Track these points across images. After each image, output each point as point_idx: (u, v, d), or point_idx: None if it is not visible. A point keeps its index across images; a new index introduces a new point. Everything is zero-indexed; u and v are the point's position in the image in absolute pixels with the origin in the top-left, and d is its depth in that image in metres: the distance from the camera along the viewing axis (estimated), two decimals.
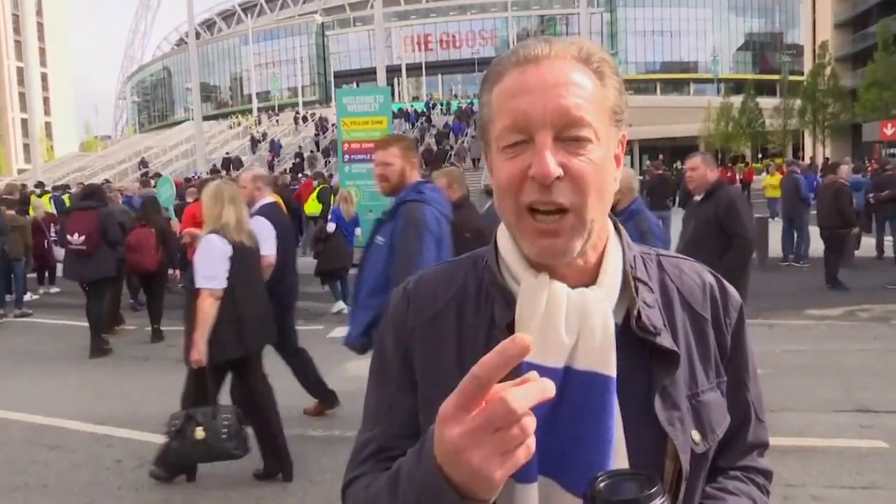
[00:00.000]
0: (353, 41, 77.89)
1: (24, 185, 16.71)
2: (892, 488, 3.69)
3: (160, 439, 4.62)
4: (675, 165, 25.69)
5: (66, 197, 14.85)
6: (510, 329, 0.83)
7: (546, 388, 0.61)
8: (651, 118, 55.81)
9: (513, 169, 0.80)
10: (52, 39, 77.77)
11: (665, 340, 0.84)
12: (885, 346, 6.49)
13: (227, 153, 37.30)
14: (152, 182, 15.24)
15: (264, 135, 45.79)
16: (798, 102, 42.69)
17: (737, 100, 49.15)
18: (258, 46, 77.38)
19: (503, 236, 0.89)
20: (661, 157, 28.32)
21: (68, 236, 7.00)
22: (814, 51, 44.18)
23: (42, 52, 73.43)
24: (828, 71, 40.24)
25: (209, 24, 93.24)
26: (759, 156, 47.83)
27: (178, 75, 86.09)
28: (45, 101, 74.66)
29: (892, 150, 26.04)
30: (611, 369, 0.80)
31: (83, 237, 6.90)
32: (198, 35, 61.68)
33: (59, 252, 9.29)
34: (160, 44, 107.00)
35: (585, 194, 0.79)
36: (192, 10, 25.83)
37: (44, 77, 74.17)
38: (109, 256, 7.17)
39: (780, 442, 4.25)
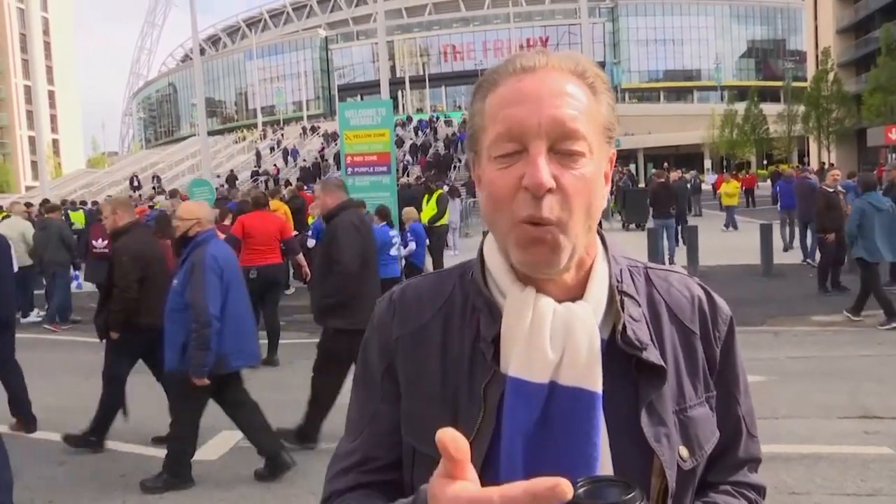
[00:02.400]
0: (357, 54, 78.35)
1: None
2: None
3: (163, 453, 4.66)
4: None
5: (75, 213, 15.02)
6: (495, 343, 0.82)
7: None
8: (655, 126, 55.88)
9: (506, 179, 0.79)
10: (59, 57, 78.56)
11: (651, 355, 0.83)
12: (889, 351, 6.46)
13: (231, 169, 37.65)
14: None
15: (279, 142, 46.23)
16: (802, 108, 42.67)
17: (741, 107, 49.17)
18: (262, 61, 77.90)
19: (490, 249, 0.88)
20: (665, 165, 28.36)
21: (93, 242, 8.17)
22: (816, 57, 44.19)
23: (49, 70, 74.20)
24: (831, 76, 40.21)
25: (214, 40, 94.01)
26: (765, 162, 47.78)
27: (184, 91, 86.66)
28: (53, 118, 75.27)
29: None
30: (596, 385, 0.79)
31: (106, 242, 7.86)
32: (203, 51, 62.29)
33: None
34: (166, 60, 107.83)
35: (573, 209, 0.78)
36: (196, 26, 26.07)
37: (51, 95, 74.88)
38: None
39: (784, 449, 4.25)
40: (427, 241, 11.27)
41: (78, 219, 13.54)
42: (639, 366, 0.83)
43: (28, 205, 15.36)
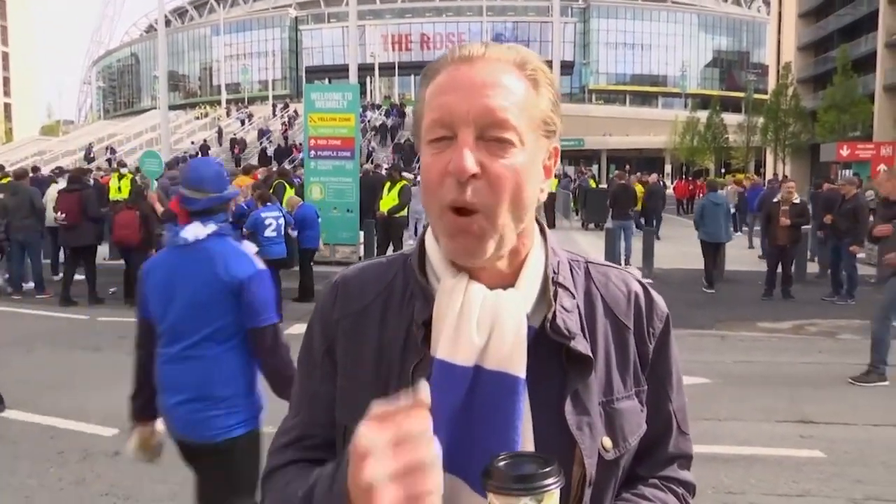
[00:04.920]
0: (327, 37, 77.27)
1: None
2: (824, 496, 3.83)
3: (106, 432, 4.57)
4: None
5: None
6: (427, 326, 0.84)
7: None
8: (619, 129, 56.69)
9: (436, 164, 0.80)
10: (14, 18, 75.59)
11: (579, 344, 0.84)
12: (829, 359, 6.70)
13: (192, 142, 36.86)
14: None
15: (250, 116, 45.35)
16: (761, 120, 43.79)
17: (703, 115, 50.19)
18: (230, 37, 76.29)
19: (430, 236, 0.89)
20: (627, 167, 28.75)
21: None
22: (778, 71, 45.35)
23: (3, 30, 71.35)
24: (790, 91, 41.34)
25: (181, 13, 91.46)
26: (723, 170, 48.89)
27: (147, 62, 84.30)
28: (6, 81, 72.56)
29: (846, 171, 26.86)
30: (520, 370, 0.80)
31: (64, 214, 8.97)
32: (168, 22, 60.49)
33: None
34: (129, 29, 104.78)
35: (499, 196, 0.79)
36: None
37: (4, 56, 72.07)
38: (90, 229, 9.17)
39: (724, 450, 4.38)
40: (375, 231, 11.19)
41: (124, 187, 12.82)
42: (568, 356, 0.84)
43: (35, 169, 15.13)
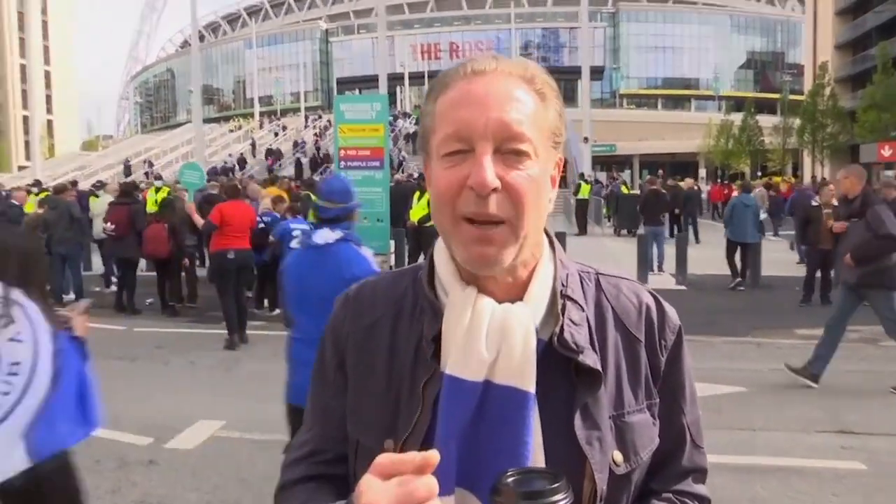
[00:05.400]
0: (357, 48, 78.14)
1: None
2: None
3: (141, 441, 4.65)
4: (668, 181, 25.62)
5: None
6: (436, 341, 0.84)
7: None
8: (652, 133, 56.11)
9: (451, 178, 0.80)
10: (56, 38, 77.97)
11: (588, 359, 0.84)
12: (872, 367, 6.51)
13: (229, 155, 37.53)
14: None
15: (284, 127, 46.09)
16: (797, 122, 42.90)
17: (737, 117, 49.37)
18: (262, 51, 77.61)
19: (440, 249, 0.89)
20: (660, 172, 28.43)
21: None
22: (814, 71, 44.42)
23: (46, 49, 73.66)
24: (827, 91, 40.44)
25: (214, 28, 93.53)
26: (759, 173, 48.03)
27: (182, 77, 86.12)
28: (48, 98, 74.76)
29: (887, 172, 26.14)
30: (529, 385, 0.80)
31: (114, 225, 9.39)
32: (202, 38, 61.95)
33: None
34: (164, 45, 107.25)
35: (521, 207, 0.80)
36: (196, 12, 25.95)
37: (47, 75, 74.34)
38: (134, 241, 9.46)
39: (760, 461, 4.27)
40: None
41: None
42: (577, 369, 0.84)
43: (73, 183, 15.49)
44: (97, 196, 12.37)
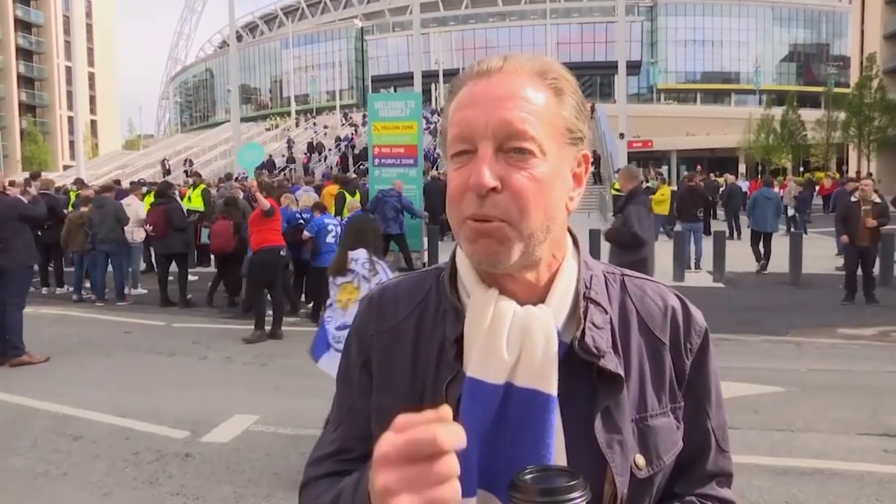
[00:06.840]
0: (392, 46, 78.40)
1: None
2: None
3: (178, 434, 4.76)
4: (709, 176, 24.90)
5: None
6: (458, 342, 0.84)
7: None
8: (690, 128, 55.08)
9: (458, 179, 0.81)
10: (100, 40, 79.86)
11: (609, 363, 0.83)
12: None
13: (269, 154, 38.02)
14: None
15: (325, 126, 46.66)
16: (842, 115, 41.66)
17: (778, 111, 48.17)
18: (298, 50, 78.39)
19: (461, 251, 0.89)
20: (699, 168, 27.93)
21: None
22: (861, 62, 43.11)
23: (90, 52, 75.53)
24: (875, 83, 39.21)
25: (251, 28, 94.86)
26: (801, 169, 46.82)
27: (220, 77, 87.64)
28: (92, 99, 76.64)
29: None
30: (551, 388, 0.79)
31: (152, 226, 9.82)
32: (240, 38, 62.81)
33: None
34: (203, 46, 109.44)
35: (524, 208, 0.79)
36: (234, 13, 26.36)
37: (91, 76, 76.22)
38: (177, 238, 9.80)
39: (798, 463, 4.17)
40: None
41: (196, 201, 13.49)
42: (599, 372, 0.83)
43: (117, 182, 16.15)
44: (147, 195, 12.42)
